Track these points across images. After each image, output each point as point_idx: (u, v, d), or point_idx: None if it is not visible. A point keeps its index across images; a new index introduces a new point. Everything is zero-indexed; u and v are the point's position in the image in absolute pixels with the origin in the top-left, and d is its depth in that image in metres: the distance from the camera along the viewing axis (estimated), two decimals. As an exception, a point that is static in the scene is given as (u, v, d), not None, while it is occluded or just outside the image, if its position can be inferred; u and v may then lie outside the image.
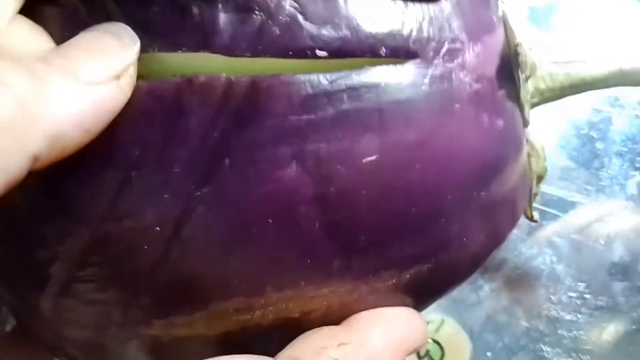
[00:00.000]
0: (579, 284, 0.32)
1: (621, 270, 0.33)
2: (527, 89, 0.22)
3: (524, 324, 0.30)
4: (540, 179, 0.24)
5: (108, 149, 0.17)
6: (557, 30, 0.38)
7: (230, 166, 0.17)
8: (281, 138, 0.17)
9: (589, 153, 0.36)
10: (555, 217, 0.34)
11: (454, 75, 0.19)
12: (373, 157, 0.18)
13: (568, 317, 0.31)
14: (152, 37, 0.17)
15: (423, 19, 0.19)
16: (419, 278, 0.20)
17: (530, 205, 0.24)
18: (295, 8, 0.17)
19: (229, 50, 0.17)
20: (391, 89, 0.18)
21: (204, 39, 0.17)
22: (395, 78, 0.18)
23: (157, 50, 0.17)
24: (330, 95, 0.17)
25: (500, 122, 0.20)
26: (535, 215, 0.25)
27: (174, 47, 0.17)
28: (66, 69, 0.16)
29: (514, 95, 0.22)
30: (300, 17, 0.17)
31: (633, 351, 0.31)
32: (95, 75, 0.16)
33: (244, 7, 0.17)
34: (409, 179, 0.18)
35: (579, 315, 0.31)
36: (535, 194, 0.24)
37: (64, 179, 0.18)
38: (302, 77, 0.17)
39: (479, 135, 0.20)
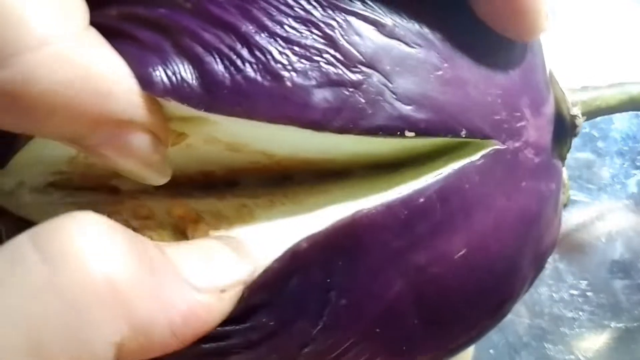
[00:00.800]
0: (581, 282, 0.32)
1: (622, 268, 0.33)
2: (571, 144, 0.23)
3: (527, 321, 0.31)
4: (565, 206, 0.25)
5: None
6: (558, 35, 0.38)
7: (347, 304, 0.18)
8: (388, 265, 0.18)
9: (590, 152, 0.36)
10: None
11: (520, 154, 0.20)
12: (463, 252, 0.19)
13: (570, 314, 0.31)
14: (232, 102, 0.17)
15: (498, 98, 0.19)
16: (482, 330, 0.21)
17: None
18: (386, 86, 0.17)
19: (320, 127, 0.17)
20: (475, 186, 0.19)
21: (294, 112, 0.17)
22: (478, 175, 0.19)
23: (234, 115, 0.17)
24: (424, 211, 0.18)
25: (552, 185, 0.21)
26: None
27: (256, 116, 0.17)
28: (177, 267, 0.15)
29: (562, 155, 0.22)
30: (390, 96, 0.18)
31: (634, 348, 0.31)
32: (202, 282, 0.16)
33: (336, 82, 0.17)
34: (488, 259, 0.19)
35: (580, 313, 0.31)
36: (560, 223, 0.25)
37: None
38: (397, 200, 0.18)
39: (538, 203, 0.20)
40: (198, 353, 0.18)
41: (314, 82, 0.17)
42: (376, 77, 0.17)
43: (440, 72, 0.18)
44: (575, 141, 0.35)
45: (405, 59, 0.18)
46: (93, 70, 0.16)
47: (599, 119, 0.36)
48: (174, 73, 0.16)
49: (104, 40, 0.16)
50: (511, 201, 0.19)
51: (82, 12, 0.16)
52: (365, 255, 0.18)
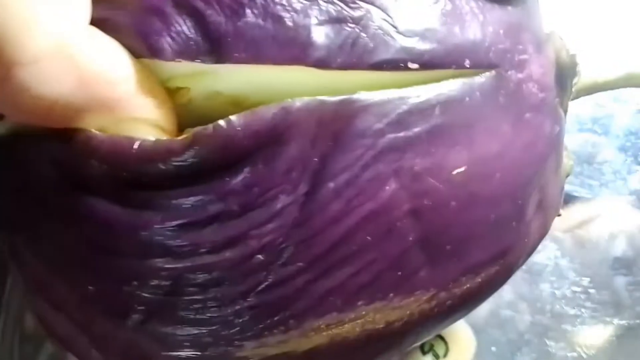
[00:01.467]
0: (583, 278, 0.32)
1: (624, 265, 0.33)
2: (571, 93, 0.23)
3: (528, 318, 0.30)
4: (567, 175, 0.25)
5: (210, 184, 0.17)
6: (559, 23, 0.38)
7: (335, 190, 0.17)
8: (381, 157, 0.17)
9: (592, 148, 0.36)
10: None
11: (524, 86, 0.20)
12: (462, 169, 0.18)
13: (572, 311, 0.31)
14: (237, 49, 0.17)
15: (500, 29, 0.19)
16: (487, 279, 0.20)
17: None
18: (386, 20, 0.18)
19: (325, 64, 0.17)
20: (475, 103, 0.18)
21: (299, 52, 0.17)
22: (477, 92, 0.19)
23: (241, 62, 0.17)
24: (423, 111, 0.18)
25: (557, 128, 0.21)
26: (561, 210, 0.25)
27: (262, 60, 0.17)
28: None
29: (563, 100, 0.22)
30: (392, 30, 0.18)
31: (637, 345, 0.31)
32: None
33: (337, 19, 0.17)
34: (490, 188, 0.19)
35: (582, 310, 0.31)
36: (563, 189, 0.25)
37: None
38: (396, 94, 0.18)
39: (544, 142, 0.20)
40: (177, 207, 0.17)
41: (315, 21, 0.17)
42: (376, 12, 0.17)
43: (439, 4, 0.18)
44: (577, 137, 0.35)
45: None
46: (99, 75, 0.16)
47: (601, 114, 0.36)
48: (178, 34, 0.17)
49: (106, 38, 0.16)
50: (516, 131, 0.19)
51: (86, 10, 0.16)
52: (356, 142, 0.17)
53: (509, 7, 0.20)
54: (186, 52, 0.17)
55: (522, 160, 0.20)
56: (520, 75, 0.20)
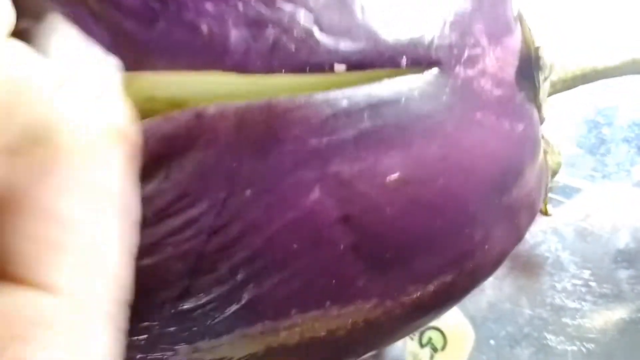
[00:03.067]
0: (584, 271, 0.32)
1: (626, 258, 0.32)
2: (545, 88, 0.22)
3: (528, 312, 0.30)
4: (554, 173, 0.24)
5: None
6: (562, 19, 0.38)
7: (253, 196, 0.17)
8: (302, 163, 0.17)
9: (595, 139, 0.35)
10: (560, 204, 0.33)
11: (475, 83, 0.18)
12: (396, 175, 0.17)
13: (572, 305, 0.31)
14: (156, 58, 0.16)
15: (444, 24, 0.18)
16: (443, 288, 0.19)
17: (544, 200, 0.24)
18: (310, 20, 0.17)
19: (242, 68, 0.16)
20: (412, 104, 0.17)
21: (214, 58, 0.16)
22: (415, 91, 0.17)
23: (160, 69, 0.16)
24: (350, 115, 0.17)
25: (520, 126, 0.20)
26: (549, 209, 0.25)
27: (180, 67, 0.16)
28: None
29: (532, 95, 0.21)
30: (316, 30, 0.17)
31: (638, 339, 0.30)
32: None
33: (256, 22, 0.16)
34: (432, 193, 0.18)
35: (583, 303, 0.31)
36: (550, 189, 0.24)
37: None
38: (320, 97, 0.17)
39: (500, 142, 0.19)
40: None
41: (231, 25, 0.16)
42: (299, 12, 0.17)
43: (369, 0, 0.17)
44: (579, 127, 0.35)
45: None
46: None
47: (604, 105, 0.36)
48: (101, 44, 0.17)
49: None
50: (462, 132, 0.18)
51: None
52: (276, 148, 0.16)
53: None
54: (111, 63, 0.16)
55: (471, 163, 0.18)
56: (469, 72, 0.18)
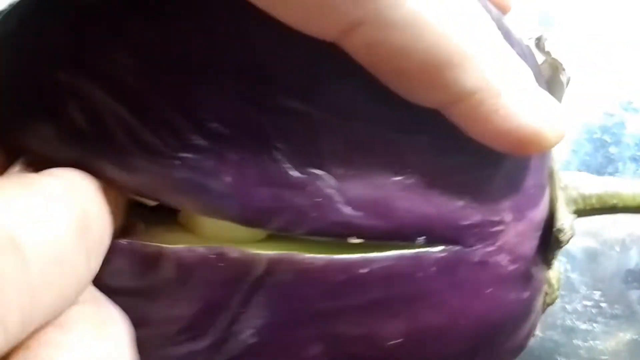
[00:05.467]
0: (594, 292, 0.31)
1: (637, 278, 0.32)
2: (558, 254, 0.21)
3: (539, 334, 0.30)
4: (549, 305, 0.24)
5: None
6: (566, 32, 0.38)
7: (256, 343, 0.17)
8: (309, 321, 0.17)
9: (602, 158, 0.35)
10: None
11: (490, 260, 0.18)
12: (398, 340, 0.17)
13: (583, 326, 0.30)
14: (173, 194, 0.16)
15: (472, 202, 0.18)
16: None
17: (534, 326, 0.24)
18: (333, 189, 0.16)
19: (258, 226, 0.16)
20: (426, 279, 0.17)
21: (234, 211, 0.16)
22: (432, 268, 0.17)
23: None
24: (364, 284, 0.17)
25: (526, 294, 0.20)
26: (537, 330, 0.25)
27: (201, 211, 0.16)
28: None
29: (545, 261, 0.21)
30: (337, 200, 0.16)
31: (651, 361, 0.30)
32: None
33: (279, 182, 0.16)
34: (430, 355, 0.18)
35: (594, 325, 0.30)
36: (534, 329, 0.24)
37: None
38: (340, 261, 0.17)
39: (502, 312, 0.19)
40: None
41: (253, 181, 0.16)
42: (324, 179, 0.16)
43: (400, 177, 0.17)
44: (587, 146, 0.35)
45: (360, 161, 0.17)
46: None
47: (611, 123, 0.36)
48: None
49: None
50: (468, 305, 0.18)
51: None
52: (289, 303, 0.17)
53: (493, 173, 0.18)
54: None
55: (471, 331, 0.18)
56: (488, 249, 0.18)
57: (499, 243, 0.19)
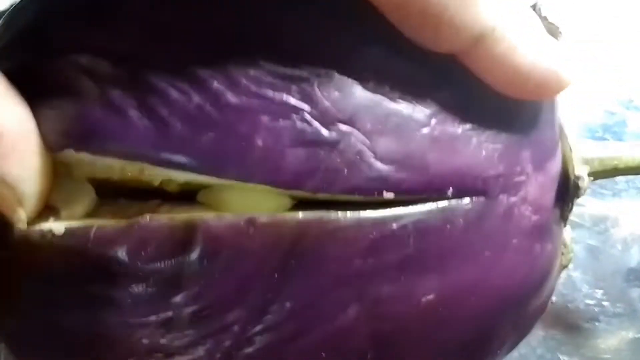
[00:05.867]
0: (596, 291, 0.31)
1: (639, 276, 0.32)
2: (574, 205, 0.22)
3: (541, 332, 0.30)
4: (565, 267, 0.24)
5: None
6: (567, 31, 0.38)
7: (291, 309, 0.17)
8: (344, 281, 0.17)
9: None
10: (570, 223, 0.33)
11: (515, 210, 0.19)
12: (431, 296, 0.18)
13: (586, 325, 0.30)
14: (205, 167, 0.16)
15: (494, 155, 0.18)
16: None
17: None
18: (364, 144, 0.17)
19: (294, 187, 0.16)
20: (455, 231, 0.18)
21: (268, 174, 0.16)
22: (460, 219, 0.18)
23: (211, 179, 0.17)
24: (396, 239, 0.17)
25: (549, 247, 0.20)
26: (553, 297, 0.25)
27: (228, 177, 0.16)
28: None
29: (564, 215, 0.21)
30: (370, 155, 0.17)
31: (653, 359, 0.30)
32: None
33: (312, 141, 0.16)
34: (462, 313, 0.18)
35: (596, 323, 0.30)
36: (552, 293, 0.24)
37: None
38: (369, 218, 0.17)
39: (529, 264, 0.20)
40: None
41: (286, 142, 0.16)
42: (355, 136, 0.17)
43: (426, 129, 0.17)
44: (588, 145, 0.35)
45: (388, 115, 0.17)
46: None
47: (612, 122, 0.36)
48: (145, 139, 0.16)
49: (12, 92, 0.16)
50: (497, 258, 0.18)
51: None
52: (323, 265, 0.17)
53: (511, 124, 0.19)
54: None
55: (500, 286, 0.19)
56: (512, 199, 0.19)
57: (521, 193, 0.19)
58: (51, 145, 0.16)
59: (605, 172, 0.24)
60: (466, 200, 0.18)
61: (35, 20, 0.18)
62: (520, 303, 0.20)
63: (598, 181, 0.34)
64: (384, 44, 0.17)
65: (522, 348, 0.30)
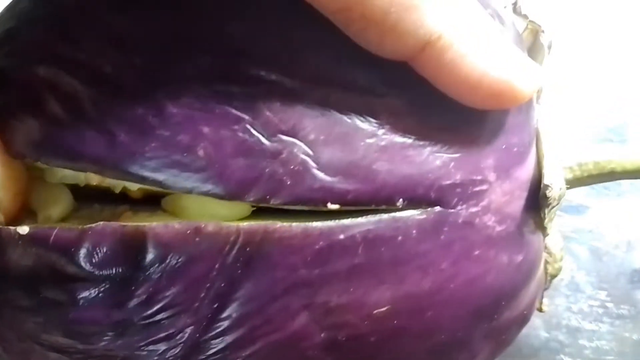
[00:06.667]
0: (600, 292, 0.31)
1: (643, 278, 0.32)
2: (552, 215, 0.21)
3: (544, 334, 0.30)
4: (554, 277, 0.23)
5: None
6: (567, 31, 0.38)
7: (240, 316, 0.17)
8: (291, 290, 0.17)
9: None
10: (573, 223, 0.33)
11: (477, 220, 0.18)
12: (385, 308, 0.17)
13: (589, 326, 0.30)
14: (149, 179, 0.17)
15: (451, 161, 0.18)
16: None
17: (540, 300, 0.24)
18: (307, 155, 0.17)
19: (235, 198, 0.17)
20: (409, 241, 0.17)
21: (207, 185, 0.16)
22: (413, 229, 0.17)
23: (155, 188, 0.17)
24: (345, 248, 0.17)
25: (519, 257, 0.20)
26: (544, 306, 0.24)
27: (177, 190, 0.17)
28: None
29: (538, 223, 0.21)
30: (312, 166, 0.17)
31: (657, 361, 0.30)
32: None
33: (254, 151, 0.16)
34: (419, 324, 0.18)
35: (600, 325, 0.30)
36: (547, 288, 0.24)
37: None
38: (317, 228, 0.17)
39: (495, 275, 0.19)
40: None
41: (228, 152, 0.16)
42: (298, 146, 0.17)
43: (373, 139, 0.17)
44: (592, 145, 0.35)
45: (333, 125, 0.17)
46: None
47: (613, 124, 0.35)
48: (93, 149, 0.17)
49: None
50: (457, 268, 0.18)
51: None
52: (268, 273, 0.17)
53: (472, 131, 0.18)
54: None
55: (462, 298, 0.18)
56: (473, 210, 0.18)
57: (483, 203, 0.18)
58: (14, 155, 0.17)
59: (601, 177, 0.23)
60: (419, 210, 0.18)
61: (9, 28, 0.18)
62: (489, 314, 0.19)
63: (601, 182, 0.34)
64: (330, 50, 0.17)
65: (524, 349, 0.29)
